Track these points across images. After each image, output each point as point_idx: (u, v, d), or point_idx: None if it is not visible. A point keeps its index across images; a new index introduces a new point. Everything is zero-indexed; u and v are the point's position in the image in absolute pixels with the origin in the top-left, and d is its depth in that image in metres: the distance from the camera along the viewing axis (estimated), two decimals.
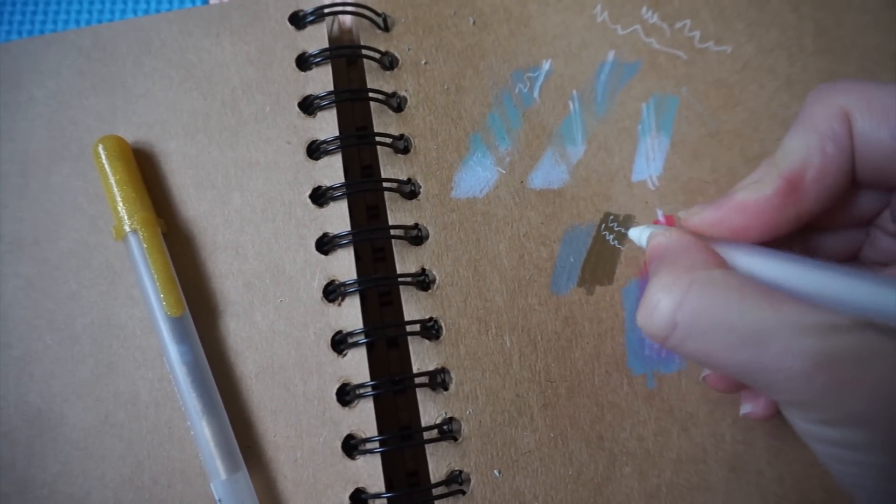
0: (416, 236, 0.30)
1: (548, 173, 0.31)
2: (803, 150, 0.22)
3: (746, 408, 0.28)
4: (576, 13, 0.33)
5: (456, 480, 0.28)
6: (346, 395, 0.28)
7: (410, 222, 0.30)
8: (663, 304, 0.21)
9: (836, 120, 0.22)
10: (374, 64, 0.32)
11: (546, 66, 0.32)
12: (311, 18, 0.31)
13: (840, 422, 0.19)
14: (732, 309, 0.20)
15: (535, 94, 0.32)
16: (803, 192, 0.23)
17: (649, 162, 0.32)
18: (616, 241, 0.31)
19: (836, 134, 0.22)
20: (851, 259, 0.26)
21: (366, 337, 0.28)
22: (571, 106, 0.32)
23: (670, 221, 0.31)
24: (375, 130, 0.31)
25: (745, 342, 0.19)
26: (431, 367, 0.29)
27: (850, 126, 0.22)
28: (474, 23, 0.32)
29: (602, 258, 0.31)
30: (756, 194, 0.23)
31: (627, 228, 0.31)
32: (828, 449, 0.21)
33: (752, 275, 0.22)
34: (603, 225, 0.31)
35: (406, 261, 0.30)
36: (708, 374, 0.28)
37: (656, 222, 0.31)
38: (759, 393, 0.27)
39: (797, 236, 0.25)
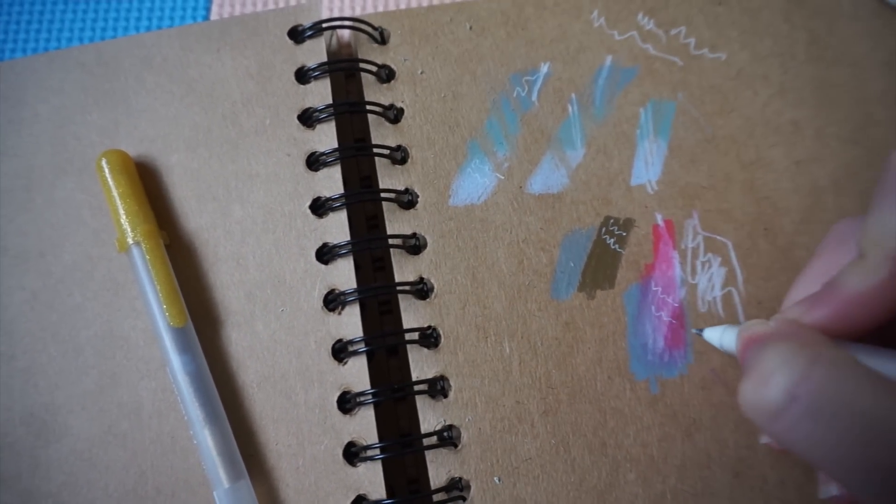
0: (414, 245, 0.30)
1: (547, 178, 0.31)
2: None
3: (831, 490, 0.24)
4: (573, 17, 0.33)
5: (456, 487, 0.28)
6: (347, 402, 0.29)
7: (408, 232, 0.30)
8: (783, 373, 0.18)
9: None
10: (372, 77, 0.32)
11: (544, 68, 0.32)
12: (310, 33, 0.32)
13: None
14: (865, 394, 0.17)
15: (534, 97, 0.32)
16: None
17: (648, 166, 0.32)
18: (617, 245, 0.31)
19: None
20: None
21: (365, 345, 0.29)
22: (570, 109, 0.32)
23: (669, 226, 0.31)
24: (373, 142, 0.31)
25: (872, 432, 0.17)
26: (430, 375, 0.29)
27: None
28: (471, 28, 0.33)
29: (603, 262, 0.31)
30: (868, 281, 0.20)
31: (628, 233, 0.31)
32: None
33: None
34: (603, 229, 0.31)
35: (404, 270, 0.30)
36: (835, 496, 0.24)
37: (655, 227, 0.31)
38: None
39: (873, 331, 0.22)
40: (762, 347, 0.20)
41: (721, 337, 0.26)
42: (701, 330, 0.27)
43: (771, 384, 0.18)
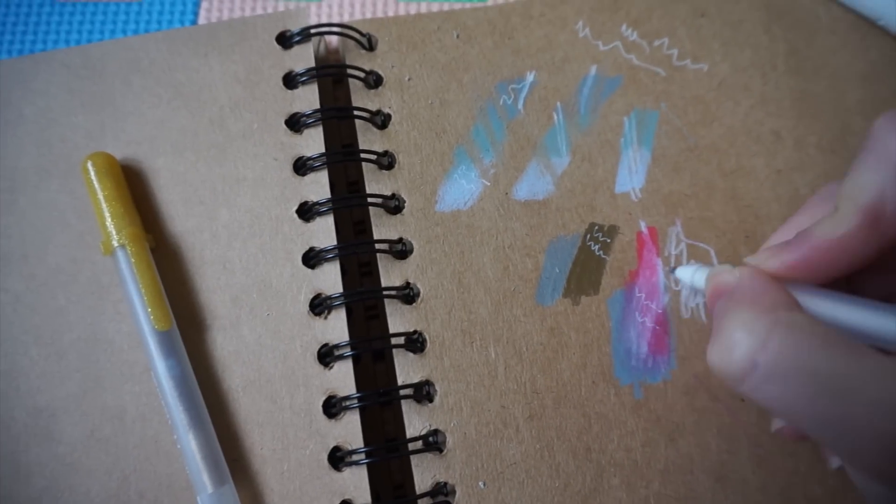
0: (400, 250, 0.30)
1: (533, 184, 0.32)
2: (879, 181, 0.21)
3: (836, 461, 0.26)
4: (558, 28, 0.34)
5: (441, 492, 0.28)
6: (333, 407, 0.29)
7: (395, 237, 0.30)
8: (744, 342, 0.20)
9: None
10: (359, 83, 0.32)
11: (530, 77, 0.33)
12: (298, 39, 0.32)
13: None
14: (817, 354, 0.19)
15: (520, 105, 0.32)
16: (885, 225, 0.21)
17: (632, 174, 0.32)
18: (601, 252, 0.31)
19: None
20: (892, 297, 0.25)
21: (351, 350, 0.29)
22: (556, 117, 0.32)
23: (653, 233, 0.31)
24: (360, 147, 0.31)
25: (830, 391, 0.18)
26: (416, 380, 0.29)
27: None
28: (458, 36, 0.33)
29: (587, 268, 0.31)
30: (838, 230, 0.21)
31: (613, 240, 0.31)
32: None
33: (825, 320, 0.21)
34: (588, 235, 0.31)
35: (391, 275, 0.30)
36: (781, 426, 0.27)
37: (639, 234, 0.31)
38: (831, 454, 0.26)
39: (841, 279, 0.24)
40: (726, 311, 0.21)
41: (692, 277, 0.26)
42: (674, 269, 0.28)
43: (734, 352, 0.20)
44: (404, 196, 0.31)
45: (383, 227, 0.30)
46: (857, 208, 0.21)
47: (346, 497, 0.28)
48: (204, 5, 0.37)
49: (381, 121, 0.32)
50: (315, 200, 0.30)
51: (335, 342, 0.29)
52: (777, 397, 0.19)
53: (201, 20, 0.37)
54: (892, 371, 0.18)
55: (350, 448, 0.28)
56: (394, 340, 0.29)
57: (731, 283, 0.23)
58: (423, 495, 0.28)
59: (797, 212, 0.26)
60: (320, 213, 0.30)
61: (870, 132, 0.22)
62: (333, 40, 0.34)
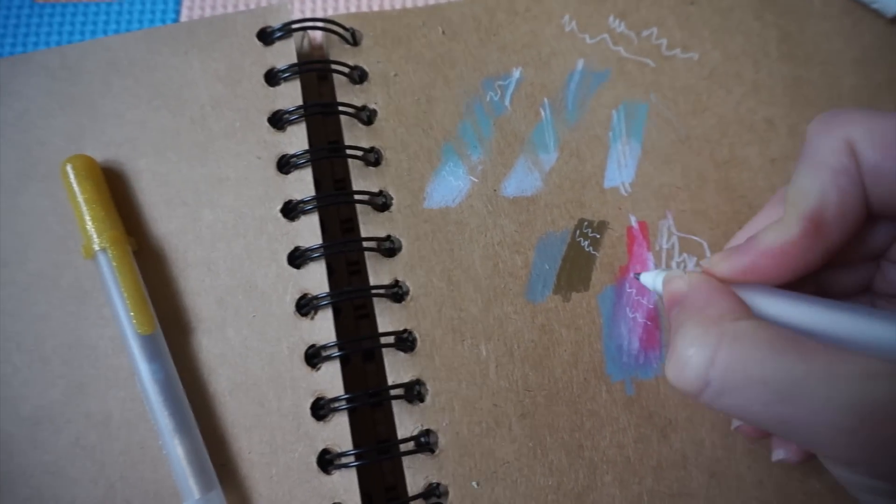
0: (388, 248, 0.30)
1: (521, 181, 0.31)
2: (818, 188, 0.22)
3: (779, 454, 0.27)
4: (544, 23, 0.33)
5: (434, 493, 0.27)
6: (321, 409, 0.28)
7: (383, 234, 0.30)
8: (694, 360, 0.20)
9: (843, 153, 0.22)
10: (344, 78, 0.32)
11: (516, 73, 0.32)
12: (279, 34, 0.31)
13: (889, 475, 0.18)
14: (765, 363, 0.19)
15: (507, 101, 0.32)
16: (827, 230, 0.22)
17: (621, 168, 0.32)
18: (591, 248, 0.31)
19: (846, 167, 0.22)
20: (863, 293, 0.26)
21: (339, 350, 0.28)
22: (543, 113, 0.32)
23: (643, 227, 0.31)
24: (346, 144, 0.31)
25: (782, 397, 0.19)
26: (407, 379, 0.28)
27: (857, 156, 0.22)
28: (444, 32, 0.32)
29: (577, 265, 0.30)
30: (782, 237, 0.22)
31: (602, 235, 0.31)
32: (873, 499, 0.20)
33: (778, 320, 0.21)
34: (577, 231, 0.31)
35: (379, 273, 0.29)
36: (740, 425, 0.27)
37: (629, 228, 0.31)
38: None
39: (809, 275, 0.24)
40: (678, 324, 0.22)
41: (654, 281, 0.27)
42: (639, 273, 0.28)
43: (686, 370, 0.21)
44: (392, 193, 0.30)
45: (370, 225, 0.30)
46: (799, 216, 0.22)
47: (336, 500, 0.27)
48: (185, 3, 0.37)
49: (366, 117, 0.31)
50: (299, 199, 0.30)
51: (322, 343, 0.28)
52: (733, 406, 0.20)
53: (183, 18, 0.37)
54: (839, 369, 0.18)
55: (339, 450, 0.28)
56: (383, 340, 0.28)
57: (683, 290, 0.23)
58: (415, 497, 0.27)
59: (757, 214, 0.27)
60: (305, 212, 0.30)
61: (806, 136, 0.23)
62: (317, 36, 0.34)
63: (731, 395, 0.20)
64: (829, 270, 0.25)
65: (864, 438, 0.18)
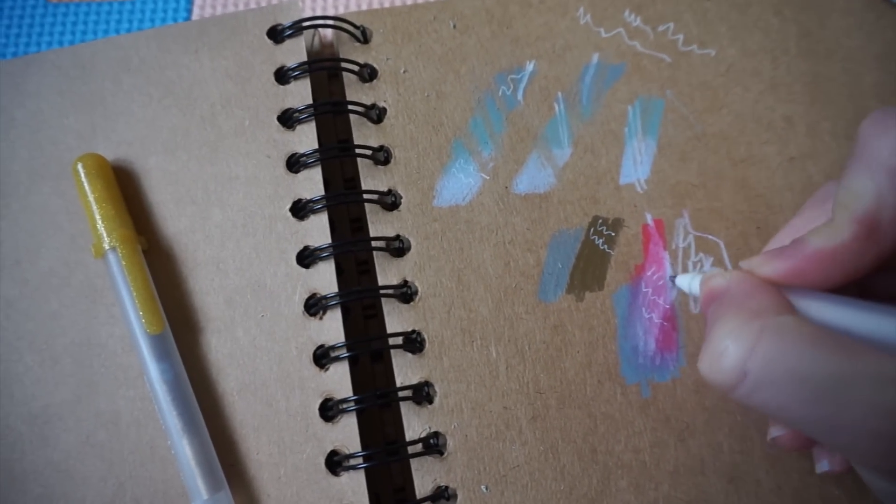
0: (397, 248, 0.29)
1: (533, 177, 0.31)
2: (874, 189, 0.21)
3: (823, 465, 0.26)
4: (559, 15, 0.33)
5: (442, 496, 0.27)
6: (329, 410, 0.28)
7: (392, 234, 0.29)
8: (732, 351, 0.19)
9: None
10: (354, 76, 0.31)
11: (530, 67, 0.32)
12: (290, 32, 0.31)
13: None
14: (807, 359, 0.18)
15: (519, 96, 0.31)
16: (882, 234, 0.21)
17: (637, 165, 0.31)
18: (606, 246, 0.30)
19: None
20: None
21: (347, 351, 0.28)
22: (557, 108, 0.31)
23: (659, 225, 0.30)
24: (355, 143, 0.30)
25: (822, 396, 0.18)
26: (415, 381, 0.28)
27: None
28: (455, 26, 0.32)
29: (592, 263, 0.30)
30: (832, 241, 0.21)
31: (617, 233, 0.30)
32: None
33: (823, 322, 0.21)
34: (592, 229, 0.30)
35: (388, 273, 0.29)
36: (778, 435, 0.26)
37: (645, 226, 0.30)
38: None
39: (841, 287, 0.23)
40: (716, 317, 0.21)
41: (690, 284, 0.26)
42: (674, 278, 0.28)
43: (723, 361, 0.20)
44: (401, 192, 0.30)
45: (380, 224, 0.30)
46: (851, 218, 0.21)
47: (345, 502, 0.27)
48: (197, 2, 0.37)
49: (376, 115, 0.31)
50: (309, 198, 0.29)
51: (331, 343, 0.28)
52: (769, 402, 0.19)
53: (195, 16, 0.37)
54: (885, 371, 0.18)
55: (347, 452, 0.27)
56: (391, 340, 0.28)
57: (722, 286, 0.22)
58: (423, 500, 0.27)
59: (797, 213, 0.26)
60: (314, 211, 0.29)
61: (858, 135, 0.22)
62: (328, 34, 0.34)
63: (768, 390, 0.19)
64: (873, 274, 0.24)
65: None
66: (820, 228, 0.22)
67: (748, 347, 0.19)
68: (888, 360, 0.18)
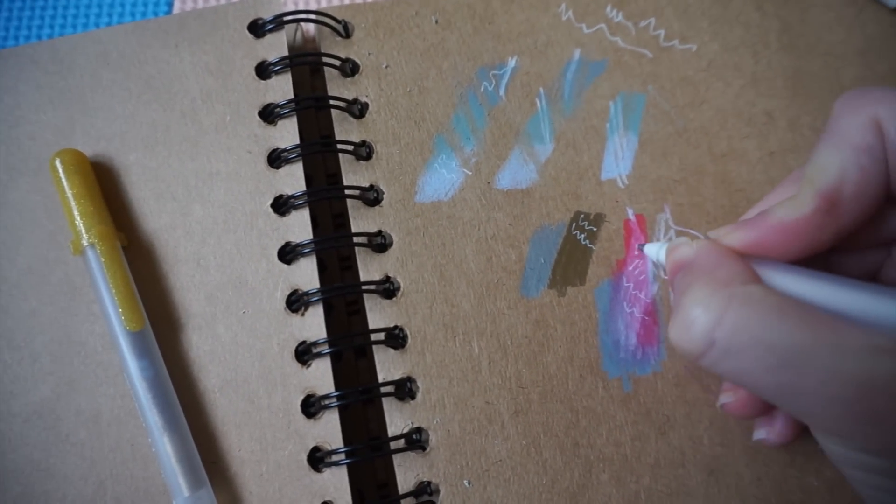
0: (379, 243, 0.29)
1: (515, 173, 0.31)
2: (839, 165, 0.21)
3: (760, 433, 0.27)
4: (540, 11, 0.32)
5: (425, 491, 0.27)
6: (311, 406, 0.28)
7: (374, 229, 0.29)
8: (701, 320, 0.20)
9: (869, 131, 0.21)
10: (335, 71, 0.31)
11: (512, 63, 0.32)
12: (270, 27, 0.31)
13: (879, 451, 0.18)
14: (773, 328, 0.19)
15: (501, 91, 0.31)
16: (843, 209, 0.21)
17: (618, 160, 0.31)
18: (587, 241, 0.30)
19: (870, 146, 0.21)
20: (871, 279, 0.25)
21: (329, 347, 0.28)
22: (538, 103, 0.31)
23: (641, 220, 0.30)
24: (337, 138, 0.30)
25: (786, 363, 0.19)
26: (397, 376, 0.28)
27: (883, 135, 0.21)
28: (437, 22, 0.32)
29: (573, 258, 0.30)
30: (794, 213, 0.22)
31: (599, 228, 0.30)
32: (861, 475, 0.20)
33: (786, 292, 0.21)
34: (574, 224, 0.30)
35: (370, 269, 0.29)
36: (726, 402, 0.27)
37: (626, 221, 0.30)
38: (791, 417, 0.26)
39: (817, 256, 0.24)
40: (684, 286, 0.21)
41: (657, 253, 0.26)
42: (643, 245, 0.28)
43: (692, 329, 0.20)
44: (383, 187, 0.30)
45: (362, 220, 0.30)
46: (814, 192, 0.21)
47: (327, 498, 0.27)
48: None
49: (358, 110, 0.31)
50: (290, 194, 0.29)
51: (313, 339, 0.28)
52: (735, 370, 0.20)
53: (175, 10, 0.36)
54: (844, 341, 0.18)
55: (330, 448, 0.27)
56: (373, 336, 0.28)
57: (689, 256, 0.23)
58: (406, 495, 0.27)
59: (772, 190, 0.26)
60: (295, 207, 0.29)
61: (831, 112, 0.22)
62: (310, 28, 0.33)
63: (735, 357, 0.19)
64: (837, 253, 0.25)
65: (863, 411, 0.18)
66: (785, 201, 0.22)
67: (716, 316, 0.20)
68: (847, 331, 0.18)
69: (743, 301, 0.20)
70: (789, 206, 0.22)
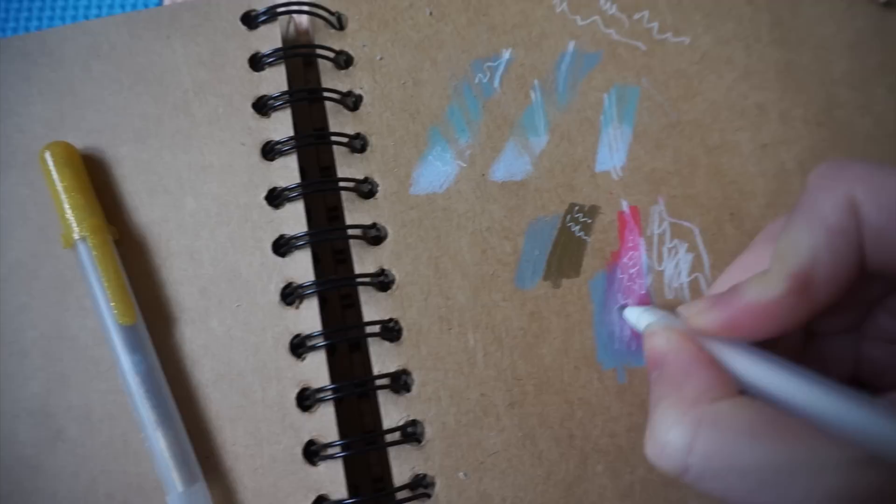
0: (374, 236, 0.29)
1: (510, 165, 0.31)
2: (811, 246, 0.20)
3: None
4: (535, 3, 0.32)
5: (421, 484, 0.27)
6: (306, 399, 0.28)
7: (368, 222, 0.29)
8: (671, 445, 0.20)
9: (843, 211, 0.20)
10: (329, 63, 0.31)
11: (506, 54, 0.32)
12: (264, 18, 0.31)
13: None
14: (745, 451, 0.19)
15: (496, 83, 0.31)
16: (815, 291, 0.21)
17: (612, 152, 0.31)
18: (582, 233, 0.30)
19: (844, 228, 0.20)
20: (849, 333, 0.24)
21: (324, 340, 0.28)
22: (533, 95, 0.31)
23: (635, 212, 0.30)
24: (331, 130, 0.30)
25: (763, 485, 0.18)
26: (392, 369, 0.28)
27: (859, 217, 0.20)
28: (431, 13, 0.32)
29: (568, 250, 0.30)
30: (766, 295, 0.21)
31: (594, 220, 0.30)
32: None
33: (758, 386, 0.21)
34: (568, 216, 0.30)
35: (364, 261, 0.29)
36: None
37: (621, 213, 0.30)
38: None
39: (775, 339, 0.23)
40: (657, 398, 0.21)
41: (637, 320, 0.27)
42: (624, 307, 0.28)
43: (665, 454, 0.20)
44: (377, 180, 0.30)
45: (356, 213, 0.29)
46: (787, 272, 0.21)
47: (322, 492, 0.27)
48: None
49: (352, 102, 0.31)
50: (284, 186, 0.29)
51: (307, 332, 0.28)
52: (715, 490, 0.20)
53: (167, 2, 0.36)
54: (821, 457, 0.18)
55: (325, 441, 0.27)
56: (368, 329, 0.28)
57: (662, 350, 0.23)
58: (401, 488, 0.27)
59: (744, 251, 0.26)
60: (290, 199, 0.29)
61: (806, 185, 0.22)
62: (303, 20, 0.33)
63: (711, 481, 0.19)
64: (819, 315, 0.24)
65: None
66: (756, 279, 0.22)
67: (687, 442, 0.20)
68: (822, 446, 0.18)
69: (712, 423, 0.20)
70: (760, 286, 0.21)
